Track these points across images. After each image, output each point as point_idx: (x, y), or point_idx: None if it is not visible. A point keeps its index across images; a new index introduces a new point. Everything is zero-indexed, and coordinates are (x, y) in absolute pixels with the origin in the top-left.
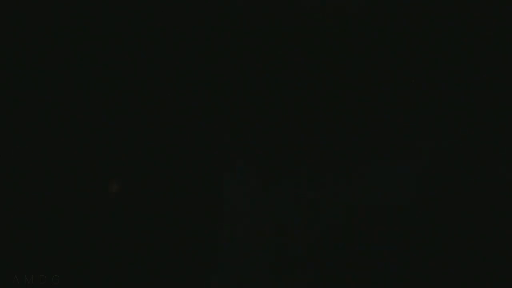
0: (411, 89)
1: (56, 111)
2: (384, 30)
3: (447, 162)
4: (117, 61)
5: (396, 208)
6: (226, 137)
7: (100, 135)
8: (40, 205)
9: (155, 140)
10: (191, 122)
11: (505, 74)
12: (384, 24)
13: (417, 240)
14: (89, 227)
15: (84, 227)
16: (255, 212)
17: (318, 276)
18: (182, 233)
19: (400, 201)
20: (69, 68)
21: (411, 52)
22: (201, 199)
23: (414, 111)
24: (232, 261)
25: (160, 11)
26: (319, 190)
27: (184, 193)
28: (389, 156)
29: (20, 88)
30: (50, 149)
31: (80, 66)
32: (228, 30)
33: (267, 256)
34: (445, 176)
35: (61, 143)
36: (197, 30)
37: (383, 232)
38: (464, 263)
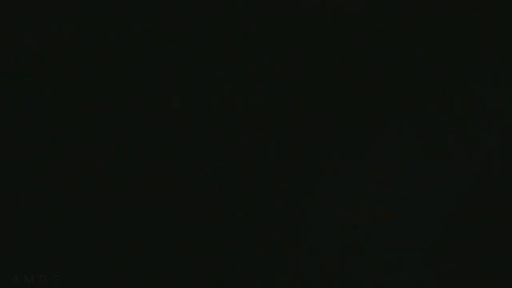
0: (411, 89)
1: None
2: (384, 30)
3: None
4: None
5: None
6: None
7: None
8: (40, 205)
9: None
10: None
11: (505, 74)
12: (384, 24)
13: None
14: (89, 227)
15: (84, 227)
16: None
17: None
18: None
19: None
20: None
21: (411, 52)
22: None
23: (414, 111)
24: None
25: (160, 11)
26: None
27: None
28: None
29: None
30: (48, 151)
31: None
32: (228, 30)
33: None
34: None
35: (61, 143)
36: (197, 30)
37: None
38: None
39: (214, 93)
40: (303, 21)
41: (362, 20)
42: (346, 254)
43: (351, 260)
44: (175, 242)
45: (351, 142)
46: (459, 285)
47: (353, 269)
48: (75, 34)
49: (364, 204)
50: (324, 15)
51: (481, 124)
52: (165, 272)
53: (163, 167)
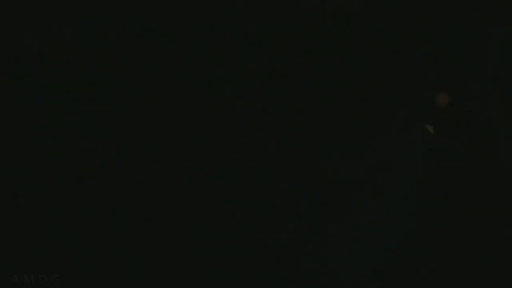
0: (411, 89)
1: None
2: (384, 30)
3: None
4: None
5: None
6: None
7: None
8: (40, 205)
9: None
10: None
11: (505, 74)
12: (384, 24)
13: None
14: (89, 227)
15: (84, 227)
16: None
17: None
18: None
19: None
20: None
21: (411, 52)
22: None
23: (414, 111)
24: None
25: (160, 11)
26: None
27: None
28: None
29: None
30: (48, 151)
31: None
32: (228, 30)
33: None
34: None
35: (61, 143)
36: (197, 30)
37: None
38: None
39: (214, 93)
40: (303, 21)
41: (362, 20)
42: (346, 254)
43: (351, 260)
44: (175, 242)
45: (351, 142)
46: (459, 285)
47: (353, 269)
48: (75, 34)
49: (364, 203)
50: (324, 15)
51: (481, 124)
52: (165, 272)
53: (163, 167)
